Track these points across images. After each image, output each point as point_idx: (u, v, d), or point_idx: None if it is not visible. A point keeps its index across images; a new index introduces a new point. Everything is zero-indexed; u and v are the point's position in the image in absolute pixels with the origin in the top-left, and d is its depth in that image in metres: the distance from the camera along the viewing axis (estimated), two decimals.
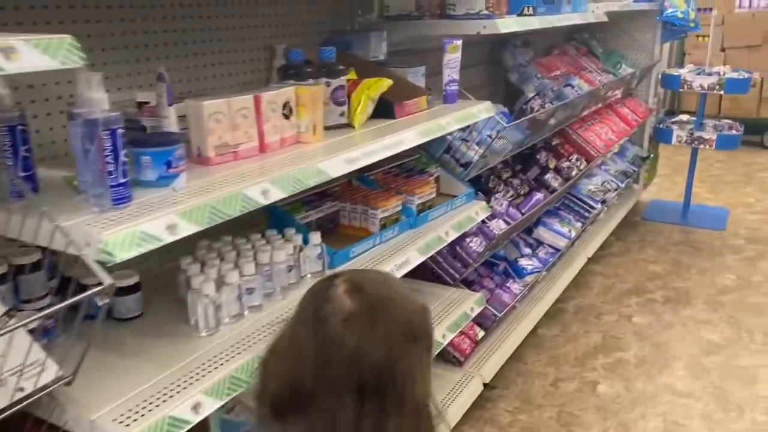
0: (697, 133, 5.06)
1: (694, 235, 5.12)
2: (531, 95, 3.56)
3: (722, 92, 4.93)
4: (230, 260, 1.76)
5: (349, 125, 2.06)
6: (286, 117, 1.79)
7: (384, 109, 2.18)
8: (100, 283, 1.66)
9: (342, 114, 2.04)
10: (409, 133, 2.02)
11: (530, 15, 2.88)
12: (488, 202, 3.31)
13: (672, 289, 4.21)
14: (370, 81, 2.07)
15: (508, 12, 2.85)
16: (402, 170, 2.66)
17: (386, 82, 2.08)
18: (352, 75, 2.16)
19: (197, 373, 1.45)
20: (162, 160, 1.39)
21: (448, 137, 2.79)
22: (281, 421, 0.97)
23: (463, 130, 2.88)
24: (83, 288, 1.73)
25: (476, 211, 2.61)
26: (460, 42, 2.46)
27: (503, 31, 2.48)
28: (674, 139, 5.15)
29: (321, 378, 0.93)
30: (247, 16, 2.27)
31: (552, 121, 3.58)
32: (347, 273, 1.06)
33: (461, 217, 2.52)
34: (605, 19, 3.71)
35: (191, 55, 2.09)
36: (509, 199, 3.47)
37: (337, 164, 1.71)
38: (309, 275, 1.97)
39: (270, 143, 1.74)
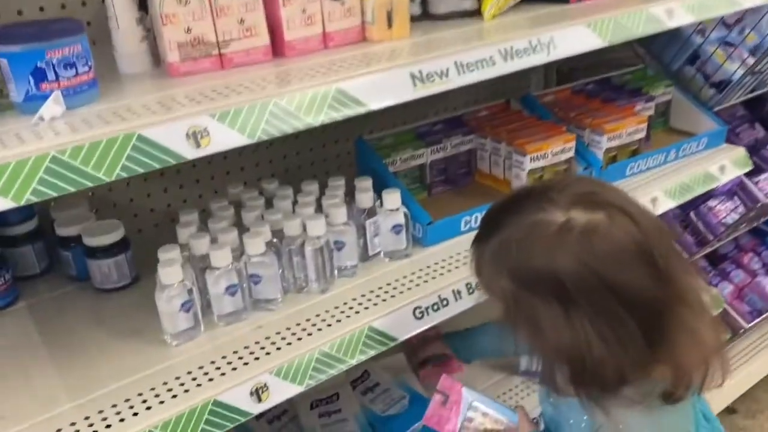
0: None
1: None
2: None
3: None
4: (222, 230, 1.13)
5: (476, 13, 1.23)
6: None
7: None
8: (79, 236, 1.23)
9: None
10: (577, 30, 1.12)
11: None
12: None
13: None
14: None
15: None
16: (603, 87, 1.71)
17: None
18: None
19: (156, 390, 0.95)
20: (25, 66, 0.79)
21: (695, 38, 1.73)
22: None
23: (728, 26, 1.78)
24: (63, 240, 1.31)
25: (722, 164, 1.58)
26: None
27: None
28: None
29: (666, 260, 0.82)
30: None
31: None
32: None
33: (691, 173, 1.53)
34: None
35: None
36: None
37: (391, 83, 0.94)
38: (383, 255, 1.27)
39: (295, 42, 1.03)
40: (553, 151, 1.39)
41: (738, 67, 1.68)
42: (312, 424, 1.39)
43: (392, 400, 1.45)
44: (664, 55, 1.79)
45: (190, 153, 0.80)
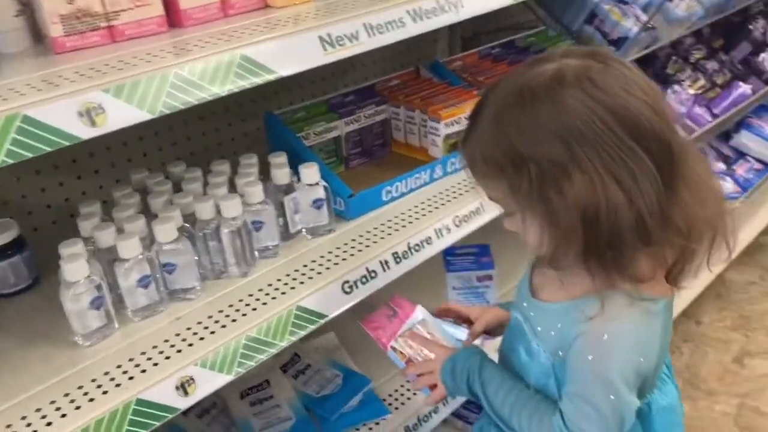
0: None
1: None
2: None
3: None
4: (128, 219, 1.05)
5: None
6: None
7: None
8: None
9: None
10: None
11: None
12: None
13: None
14: None
15: None
16: (509, 51, 1.72)
17: None
18: None
19: (71, 396, 0.87)
20: None
21: None
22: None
23: None
24: None
25: None
26: None
27: None
28: None
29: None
30: None
31: None
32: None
33: None
34: None
35: None
36: (697, 92, 2.36)
37: (299, 48, 0.90)
38: (305, 232, 1.23)
39: (191, 10, 0.96)
40: (466, 116, 1.38)
41: (633, 24, 1.74)
42: (244, 414, 1.34)
43: (326, 380, 1.42)
44: (564, 16, 1.82)
45: (84, 133, 0.73)
